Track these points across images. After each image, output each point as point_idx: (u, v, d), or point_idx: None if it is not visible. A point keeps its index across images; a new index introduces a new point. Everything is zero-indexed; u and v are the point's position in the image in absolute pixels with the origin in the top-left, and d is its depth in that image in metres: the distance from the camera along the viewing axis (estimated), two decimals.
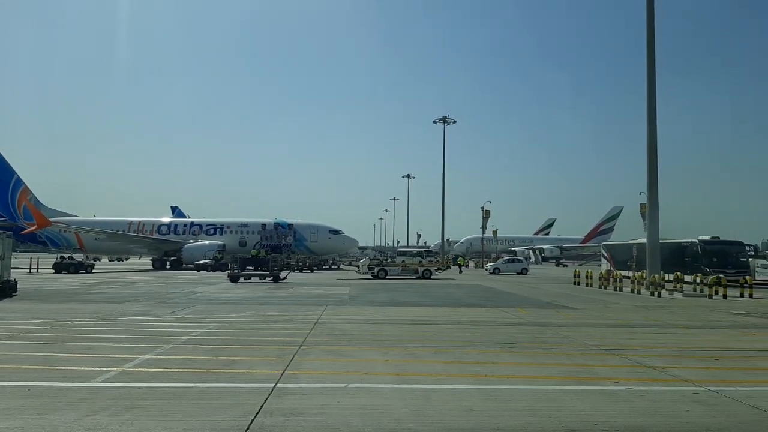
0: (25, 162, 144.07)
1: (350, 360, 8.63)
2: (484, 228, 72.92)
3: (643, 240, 52.23)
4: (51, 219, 53.72)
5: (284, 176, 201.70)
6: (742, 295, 24.33)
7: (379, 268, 36.06)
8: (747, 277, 26.59)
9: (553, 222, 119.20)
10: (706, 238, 35.46)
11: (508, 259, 48.43)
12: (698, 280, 26.80)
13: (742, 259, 34.40)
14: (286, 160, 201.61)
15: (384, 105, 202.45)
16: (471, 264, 70.51)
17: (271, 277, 30.17)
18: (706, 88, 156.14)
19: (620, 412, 5.96)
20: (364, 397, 6.35)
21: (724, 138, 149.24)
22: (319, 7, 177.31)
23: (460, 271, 48.27)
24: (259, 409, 5.73)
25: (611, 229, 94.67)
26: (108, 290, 22.86)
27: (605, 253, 50.91)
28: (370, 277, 35.19)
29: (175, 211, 78.01)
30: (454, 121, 76.66)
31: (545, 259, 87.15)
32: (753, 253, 42.48)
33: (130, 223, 55.06)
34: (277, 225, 55.18)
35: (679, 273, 34.78)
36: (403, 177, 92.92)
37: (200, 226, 55.91)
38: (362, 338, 10.88)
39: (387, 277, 35.16)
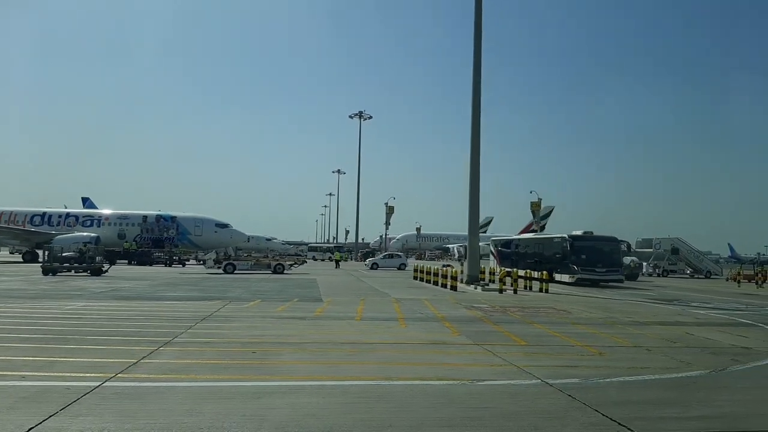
0: None
1: None
2: (387, 224, 73.46)
3: (526, 236, 53.37)
4: None
5: (223, 173, 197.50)
6: (541, 290, 24.84)
7: (227, 262, 35.49)
8: None
9: (491, 220, 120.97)
10: (578, 233, 32.79)
11: (386, 255, 48.90)
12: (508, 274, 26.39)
13: (614, 257, 31.92)
14: (225, 156, 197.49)
15: (326, 100, 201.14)
16: None
17: (88, 271, 28.92)
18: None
19: None
20: None
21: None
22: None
23: (336, 266, 47.93)
24: None
25: (543, 227, 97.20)
26: None
27: (492, 249, 50.72)
28: (221, 271, 34.42)
29: (86, 202, 74.48)
30: (370, 117, 77.65)
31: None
32: (626, 250, 41.79)
33: (1, 213, 52.12)
34: (160, 217, 53.44)
35: (499, 268, 35.11)
36: (333, 172, 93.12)
37: (76, 217, 53.54)
38: None
39: (236, 271, 34.50)
